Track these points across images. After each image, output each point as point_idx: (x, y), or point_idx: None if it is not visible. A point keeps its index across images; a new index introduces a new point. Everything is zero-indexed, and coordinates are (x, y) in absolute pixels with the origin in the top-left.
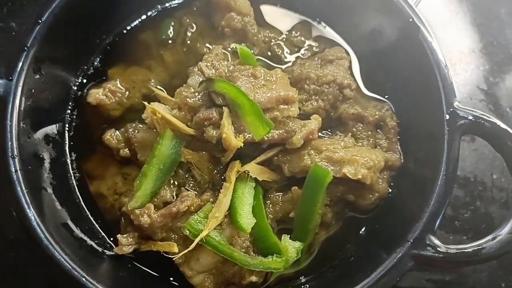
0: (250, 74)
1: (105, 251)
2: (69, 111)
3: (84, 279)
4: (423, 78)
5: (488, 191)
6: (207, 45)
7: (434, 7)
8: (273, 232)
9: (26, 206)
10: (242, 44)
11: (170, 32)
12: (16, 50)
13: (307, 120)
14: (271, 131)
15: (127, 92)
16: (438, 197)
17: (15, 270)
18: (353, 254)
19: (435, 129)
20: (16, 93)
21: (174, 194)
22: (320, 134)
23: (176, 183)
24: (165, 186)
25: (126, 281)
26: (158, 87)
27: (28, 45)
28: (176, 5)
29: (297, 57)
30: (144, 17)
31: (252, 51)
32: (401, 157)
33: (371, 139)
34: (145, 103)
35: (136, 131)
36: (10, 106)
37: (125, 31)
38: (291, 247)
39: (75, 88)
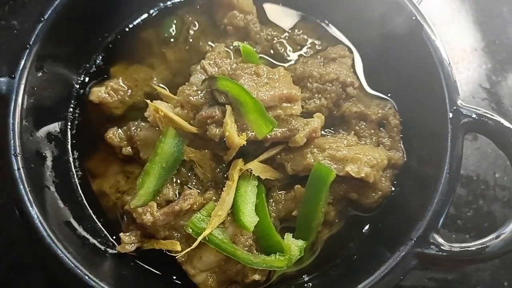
0: (253, 72)
1: (108, 249)
2: (71, 109)
3: (86, 277)
4: (426, 76)
5: (491, 190)
6: (210, 43)
7: (436, 5)
8: (276, 231)
9: (28, 204)
10: (245, 42)
11: (173, 30)
12: (19, 48)
13: (310, 119)
14: (274, 129)
15: (130, 90)
16: (441, 195)
17: (18, 268)
18: (356, 252)
19: (439, 127)
20: (19, 91)
21: (177, 192)
22: (323, 132)
23: (178, 181)
24: (168, 185)
25: (129, 279)
26: (161, 85)
27: (31, 43)
28: (178, 3)
29: (300, 55)
30: (146, 15)
31: (254, 49)
32: (404, 156)
33: (374, 138)
34: (148, 101)
35: (139, 129)
36: (12, 104)
37: (127, 29)
38: (294, 245)
39: (77, 86)
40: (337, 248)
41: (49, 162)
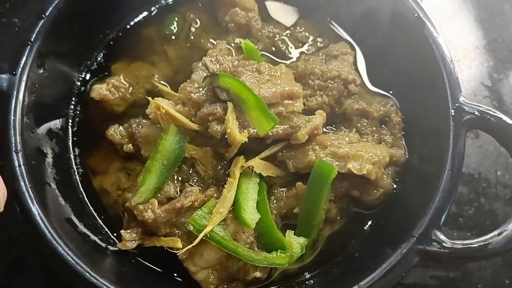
0: (254, 69)
1: (109, 246)
2: (72, 107)
3: (88, 274)
4: (428, 73)
5: (493, 188)
6: (211, 40)
7: (438, 3)
8: (277, 228)
9: (29, 201)
10: (246, 39)
11: (174, 28)
12: (20, 44)
13: (312, 116)
14: (276, 126)
15: (131, 88)
16: (443, 192)
17: (18, 265)
18: (358, 250)
19: (441, 124)
20: (20, 87)
21: (178, 189)
22: (324, 129)
23: (180, 178)
24: (169, 182)
25: (130, 276)
26: (162, 82)
27: (32, 40)
28: (180, 0)
29: (302, 53)
30: (147, 12)
31: (256, 47)
32: (406, 153)
33: (376, 135)
34: (149, 98)
35: (140, 126)
36: (13, 101)
37: (128, 26)
38: (295, 242)
39: (79, 83)
40: (338, 245)
41: (50, 159)
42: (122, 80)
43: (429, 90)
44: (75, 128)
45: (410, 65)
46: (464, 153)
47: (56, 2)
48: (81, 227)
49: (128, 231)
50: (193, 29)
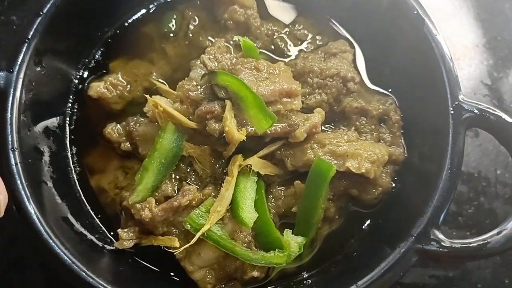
0: (253, 67)
1: (106, 245)
2: (70, 104)
3: (84, 273)
4: (427, 71)
5: (492, 187)
6: (210, 38)
7: (437, 1)
8: (275, 227)
9: (26, 200)
10: (245, 37)
11: (172, 25)
12: (17, 42)
13: (310, 114)
14: (274, 124)
15: (129, 86)
16: (442, 191)
17: (17, 264)
18: (356, 249)
19: (440, 122)
20: (17, 85)
21: (176, 188)
22: (323, 127)
23: (177, 177)
24: (167, 180)
25: (127, 276)
26: (160, 80)
27: (29, 37)
28: None
29: (300, 50)
30: (146, 10)
31: (255, 44)
32: (405, 151)
33: (375, 133)
34: (147, 96)
35: (138, 124)
36: (10, 98)
37: (126, 24)
38: (293, 242)
39: (76, 81)
40: (337, 244)
41: (47, 158)
42: (120, 78)
43: (428, 88)
44: (73, 126)
45: (409, 63)
46: (464, 152)
47: None
48: (77, 226)
49: (125, 230)
50: (191, 27)
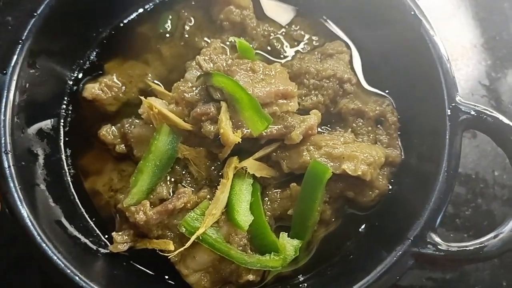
0: (248, 68)
1: (100, 249)
2: (64, 106)
3: (77, 277)
4: (424, 73)
5: (490, 188)
6: (205, 39)
7: (435, 1)
8: (271, 230)
9: (19, 203)
10: (241, 38)
11: (168, 26)
12: (11, 43)
13: (307, 115)
14: (270, 126)
15: (124, 87)
16: (439, 193)
17: (17, 264)
18: (353, 252)
19: (437, 124)
20: (10, 87)
21: (171, 190)
22: (319, 129)
23: (172, 179)
24: (162, 183)
25: (121, 279)
26: (155, 81)
27: (23, 38)
28: None
29: (297, 51)
30: (141, 10)
31: (251, 45)
32: (402, 153)
33: (372, 135)
34: (142, 98)
35: (133, 126)
36: (4, 100)
37: (122, 25)
38: (289, 245)
39: (71, 82)
40: (333, 247)
41: (40, 160)
42: (115, 79)
43: (425, 89)
44: (67, 128)
45: (406, 64)
46: (461, 153)
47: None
48: (71, 229)
49: (120, 233)
50: (187, 28)
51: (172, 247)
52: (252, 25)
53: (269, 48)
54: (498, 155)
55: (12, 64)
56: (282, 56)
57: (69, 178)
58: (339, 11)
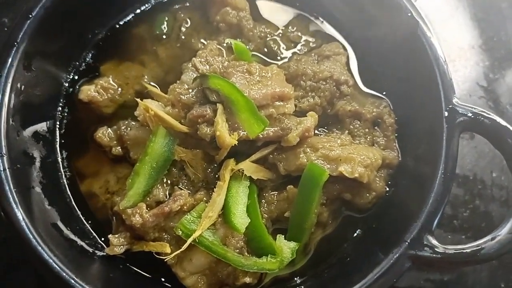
0: (245, 70)
1: (96, 251)
2: (60, 108)
3: (73, 280)
4: (421, 74)
5: (488, 190)
6: (202, 40)
7: (433, 2)
8: (268, 232)
9: (14, 206)
10: (238, 39)
11: (164, 27)
12: (6, 45)
13: (303, 117)
14: (266, 128)
15: (120, 89)
16: (436, 196)
17: (9, 269)
18: (350, 254)
19: (434, 126)
20: (6, 89)
21: (167, 193)
22: (316, 131)
23: (169, 181)
24: (158, 185)
25: (117, 282)
26: (152, 83)
27: (18, 40)
28: None
29: (294, 53)
30: (138, 11)
31: (247, 47)
32: (399, 155)
33: (369, 137)
34: (138, 100)
35: (129, 128)
36: None
37: (118, 26)
38: (286, 247)
39: (67, 84)
40: (330, 249)
41: (36, 163)
42: (111, 81)
43: (422, 91)
44: (63, 130)
45: (403, 66)
46: (458, 155)
47: (43, 1)
48: (67, 232)
49: (116, 235)
50: (183, 29)
51: (168, 250)
52: (249, 26)
53: (265, 49)
54: (496, 156)
55: (7, 66)
56: (278, 57)
57: (65, 181)
58: (336, 13)
